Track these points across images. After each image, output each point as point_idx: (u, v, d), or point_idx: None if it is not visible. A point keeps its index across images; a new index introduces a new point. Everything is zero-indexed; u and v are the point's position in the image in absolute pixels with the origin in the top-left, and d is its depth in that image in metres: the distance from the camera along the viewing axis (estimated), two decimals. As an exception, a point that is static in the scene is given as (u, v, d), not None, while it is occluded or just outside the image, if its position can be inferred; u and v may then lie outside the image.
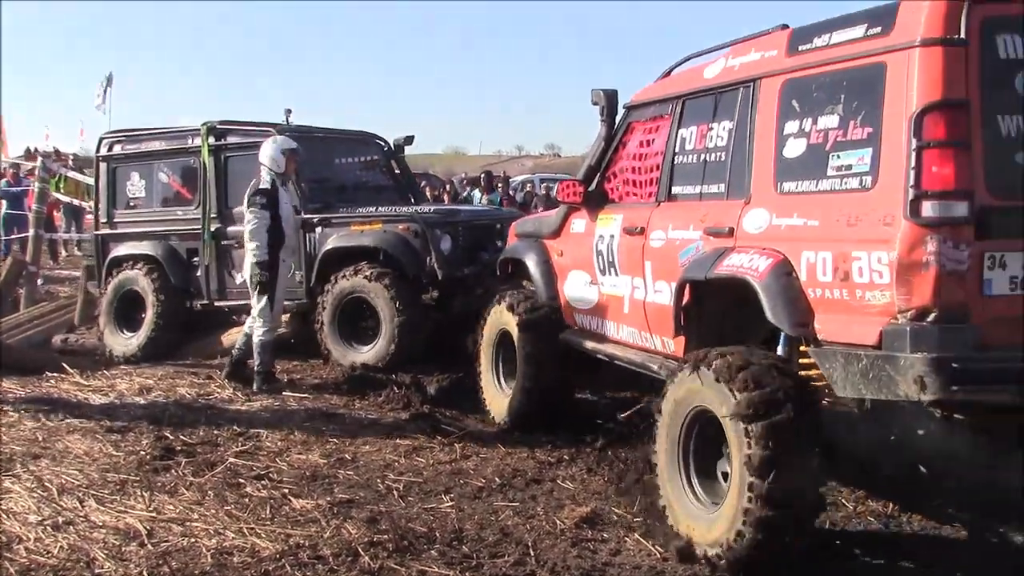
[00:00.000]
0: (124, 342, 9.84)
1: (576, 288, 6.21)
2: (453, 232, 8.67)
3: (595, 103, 6.05)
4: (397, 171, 10.47)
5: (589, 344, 6.06)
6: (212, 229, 9.53)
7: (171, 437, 6.29)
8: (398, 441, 6.42)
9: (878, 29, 3.86)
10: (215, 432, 6.47)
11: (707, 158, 4.94)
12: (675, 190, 5.22)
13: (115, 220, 10.28)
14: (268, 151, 8.01)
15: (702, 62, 5.30)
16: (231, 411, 7.18)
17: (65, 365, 8.55)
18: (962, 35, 3.60)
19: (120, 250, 10.11)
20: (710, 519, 4.25)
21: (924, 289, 3.53)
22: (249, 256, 7.91)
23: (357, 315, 8.61)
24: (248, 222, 7.85)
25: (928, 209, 3.53)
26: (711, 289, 4.64)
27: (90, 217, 13.16)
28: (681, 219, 4.99)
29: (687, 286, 4.76)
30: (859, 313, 3.78)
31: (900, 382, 3.55)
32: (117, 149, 10.31)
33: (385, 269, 8.45)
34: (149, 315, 9.67)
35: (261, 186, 7.91)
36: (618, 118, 5.98)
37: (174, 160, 9.99)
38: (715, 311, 4.79)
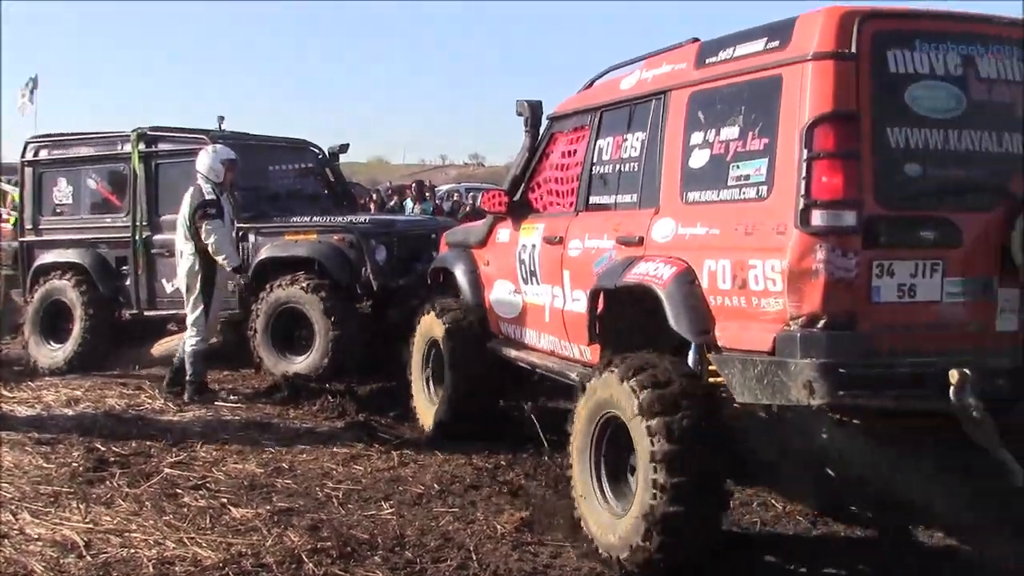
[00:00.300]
0: (50, 354, 9.61)
1: (501, 297, 6.26)
2: (388, 242, 8.68)
3: (519, 114, 6.12)
4: (332, 179, 10.43)
5: (512, 353, 6.10)
6: (142, 237, 9.38)
7: (103, 448, 6.19)
8: (335, 449, 6.41)
9: (776, 43, 3.95)
10: (148, 443, 6.36)
11: (621, 168, 5.01)
12: (592, 200, 5.28)
13: (41, 227, 10.05)
14: (206, 161, 7.94)
15: (621, 74, 5.38)
16: (163, 422, 7.10)
17: None
18: (853, 49, 3.69)
19: (46, 258, 9.88)
20: (620, 523, 4.30)
21: (813, 296, 3.61)
22: (184, 265, 7.84)
23: (291, 325, 8.56)
24: (207, 235, 7.70)
25: (817, 218, 3.62)
26: (622, 298, 4.70)
27: (6, 226, 12.98)
28: (596, 228, 5.06)
29: (600, 294, 4.81)
30: (755, 320, 3.85)
31: (791, 387, 3.62)
32: (44, 154, 10.10)
33: (320, 280, 8.43)
34: (77, 327, 9.46)
35: (207, 197, 7.81)
36: (542, 129, 6.05)
37: (103, 166, 9.84)
38: (628, 320, 4.85)
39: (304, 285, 8.36)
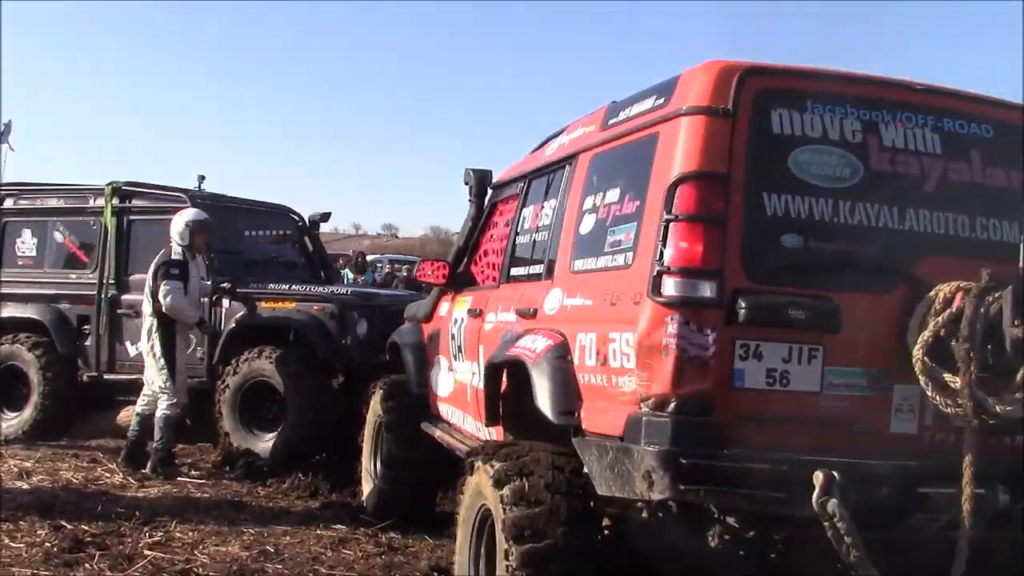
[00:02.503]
0: (5, 423, 9.09)
1: (438, 375, 5.91)
2: (370, 315, 8.38)
3: (466, 183, 5.86)
4: (311, 248, 10.20)
5: (438, 433, 5.71)
6: (107, 296, 9.08)
7: (70, 527, 5.80)
8: (319, 532, 6.10)
9: (661, 100, 3.61)
10: (118, 522, 5.98)
11: (535, 238, 4.68)
12: (512, 271, 4.95)
13: (0, 280, 9.56)
14: (176, 225, 7.87)
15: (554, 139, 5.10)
16: (127, 498, 6.73)
17: None
18: (729, 106, 3.32)
19: (2, 312, 9.43)
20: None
21: (663, 376, 3.17)
22: (144, 326, 7.71)
23: (259, 397, 8.27)
24: (163, 295, 7.62)
25: (670, 287, 3.20)
26: (514, 373, 4.31)
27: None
28: (506, 301, 4.71)
29: (495, 370, 4.44)
30: (613, 401, 3.43)
31: (635, 478, 3.17)
32: (9, 203, 9.76)
33: (289, 352, 8.18)
34: (35, 396, 9.01)
35: (173, 256, 7.75)
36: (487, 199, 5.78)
37: (72, 219, 9.46)
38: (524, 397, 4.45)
39: (274, 357, 8.12)
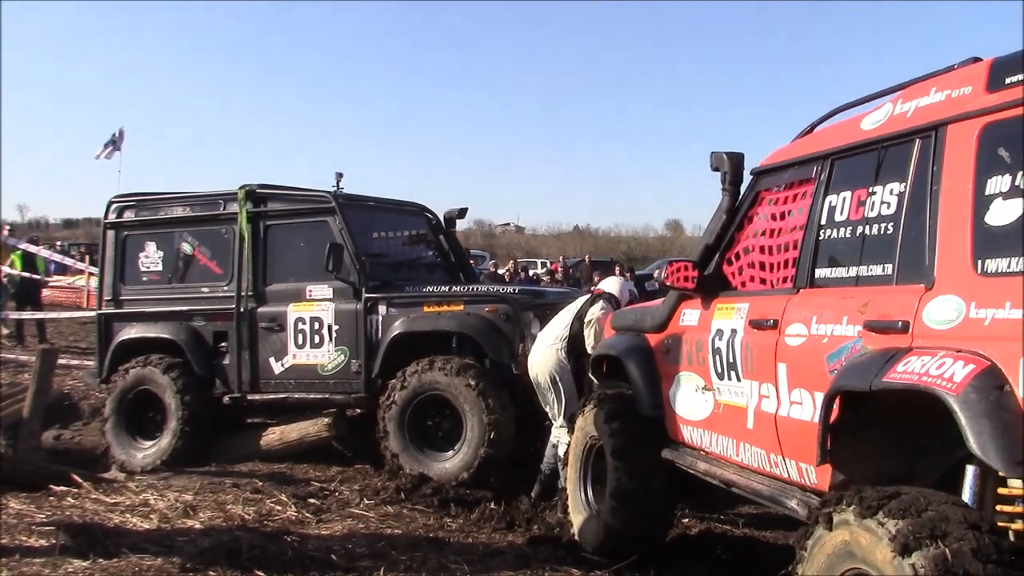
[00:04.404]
0: (140, 453, 8.53)
1: (685, 395, 5.04)
2: (542, 316, 7.56)
3: (716, 168, 4.97)
4: (446, 247, 9.41)
5: (700, 466, 4.85)
6: (247, 309, 8.36)
7: None
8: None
9: None
10: (317, 569, 5.18)
11: (867, 231, 3.78)
12: (820, 273, 4.05)
13: (122, 298, 8.99)
14: (615, 286, 7.09)
15: (858, 113, 4.19)
16: (313, 537, 5.90)
17: (76, 476, 6.99)
18: None
19: (130, 332, 8.86)
20: None
21: None
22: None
23: (429, 415, 7.51)
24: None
25: None
26: (876, 403, 3.43)
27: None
28: (830, 310, 3.81)
29: (838, 398, 3.55)
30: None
31: None
32: (129, 215, 9.04)
33: (468, 361, 7.37)
34: (173, 423, 8.39)
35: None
36: (743, 187, 4.89)
37: (201, 228, 8.77)
38: (876, 433, 3.58)
39: (448, 368, 7.32)
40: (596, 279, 20.86)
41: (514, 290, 8.34)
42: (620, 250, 50.27)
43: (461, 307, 7.63)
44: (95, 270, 21.21)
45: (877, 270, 3.68)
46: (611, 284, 7.06)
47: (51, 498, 6.59)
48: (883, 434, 3.61)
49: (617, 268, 20.35)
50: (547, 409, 6.87)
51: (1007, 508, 3.07)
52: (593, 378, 6.33)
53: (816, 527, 3.38)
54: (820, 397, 3.75)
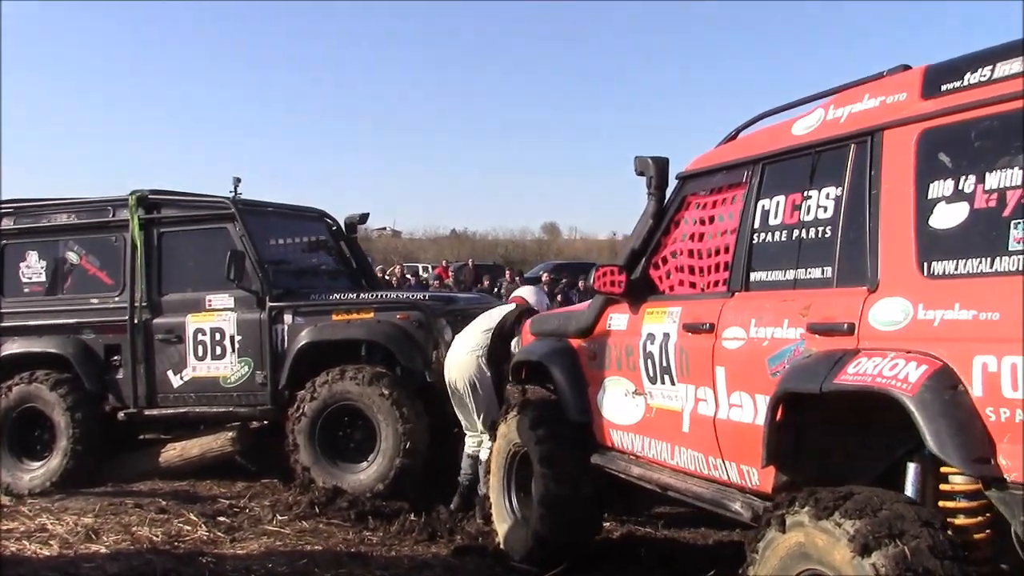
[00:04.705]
0: (28, 475, 8.00)
1: (614, 399, 5.04)
2: (453, 322, 7.48)
3: (641, 173, 4.99)
4: (347, 254, 9.20)
5: (635, 471, 4.85)
6: (142, 320, 7.98)
7: None
8: None
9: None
10: None
11: (803, 234, 3.84)
12: (756, 276, 4.10)
13: (2, 311, 8.42)
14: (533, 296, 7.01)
15: (787, 118, 4.26)
16: (230, 557, 5.67)
17: None
18: None
19: (12, 347, 8.31)
20: None
21: None
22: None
23: (340, 426, 7.32)
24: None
25: None
26: (823, 405, 3.48)
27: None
28: (769, 313, 3.85)
29: (784, 401, 3.59)
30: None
31: None
32: (7, 223, 8.52)
33: (381, 370, 7.21)
34: (63, 441, 7.90)
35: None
36: (668, 192, 4.92)
37: (89, 236, 8.31)
38: (823, 435, 3.64)
39: (359, 377, 7.15)
40: (485, 283, 20.92)
41: (424, 296, 8.21)
42: (498, 253, 50.41)
43: (371, 315, 7.47)
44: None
45: (816, 273, 3.74)
46: (528, 292, 7.04)
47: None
48: (825, 434, 3.66)
49: (508, 271, 20.33)
50: (462, 417, 6.79)
51: (949, 504, 3.17)
52: (511, 385, 6.31)
53: (768, 529, 3.41)
54: (761, 399, 3.80)
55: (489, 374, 6.56)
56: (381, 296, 7.84)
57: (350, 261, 9.24)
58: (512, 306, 6.87)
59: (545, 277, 19.92)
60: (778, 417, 3.63)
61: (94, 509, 6.66)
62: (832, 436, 3.66)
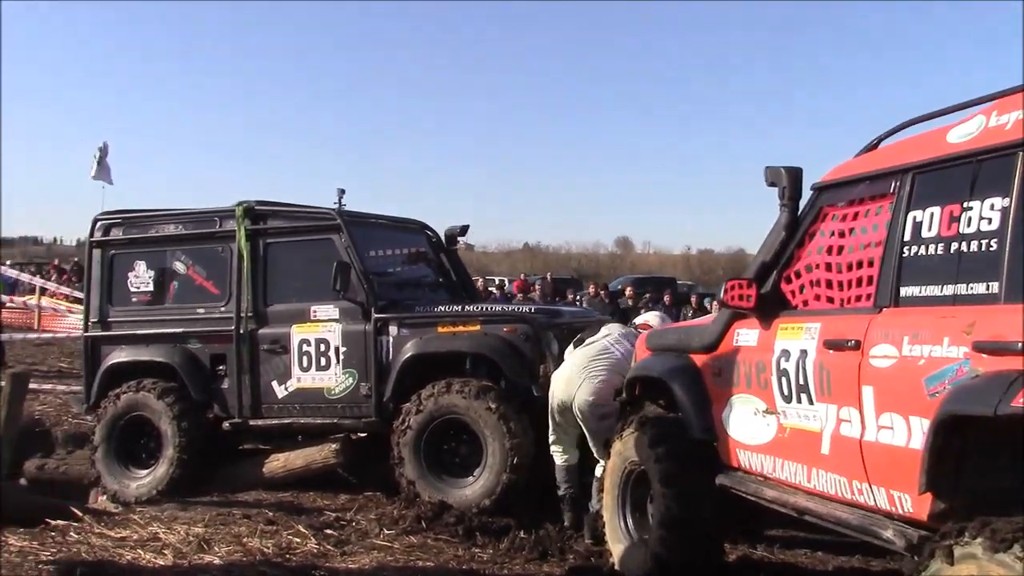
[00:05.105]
0: (135, 483, 8.15)
1: (742, 418, 4.86)
2: (560, 336, 7.36)
3: (772, 183, 4.81)
4: (447, 266, 9.17)
5: (769, 493, 4.65)
6: (247, 330, 8.03)
7: None
8: None
9: None
10: None
11: (963, 248, 3.62)
12: (906, 291, 3.89)
13: (110, 319, 8.60)
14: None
15: (939, 126, 4.05)
16: (341, 571, 5.66)
17: (75, 510, 6.68)
18: None
19: (119, 356, 8.48)
20: None
21: None
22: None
23: (446, 439, 7.25)
24: None
25: None
26: (990, 429, 3.27)
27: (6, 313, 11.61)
28: (926, 329, 3.65)
29: (948, 425, 3.38)
30: None
31: None
32: (117, 233, 8.66)
33: (487, 383, 7.12)
34: (169, 450, 8.03)
35: None
36: (803, 203, 4.74)
37: (196, 247, 8.41)
38: (986, 460, 3.42)
39: (466, 390, 7.06)
40: (569, 296, 20.75)
41: (530, 309, 8.12)
42: (571, 267, 50.25)
43: (478, 327, 7.39)
44: (53, 287, 20.72)
45: (979, 288, 3.52)
46: (654, 319, 6.92)
47: (52, 533, 6.19)
48: (989, 460, 3.45)
49: (593, 286, 20.12)
50: (555, 434, 6.68)
51: None
52: (624, 401, 6.14)
53: (932, 561, 3.21)
54: (916, 421, 3.59)
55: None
56: (487, 308, 7.77)
57: (450, 273, 9.20)
58: (631, 330, 6.72)
59: (629, 291, 19.67)
60: (940, 443, 3.42)
61: (203, 519, 6.69)
62: (995, 462, 3.44)
